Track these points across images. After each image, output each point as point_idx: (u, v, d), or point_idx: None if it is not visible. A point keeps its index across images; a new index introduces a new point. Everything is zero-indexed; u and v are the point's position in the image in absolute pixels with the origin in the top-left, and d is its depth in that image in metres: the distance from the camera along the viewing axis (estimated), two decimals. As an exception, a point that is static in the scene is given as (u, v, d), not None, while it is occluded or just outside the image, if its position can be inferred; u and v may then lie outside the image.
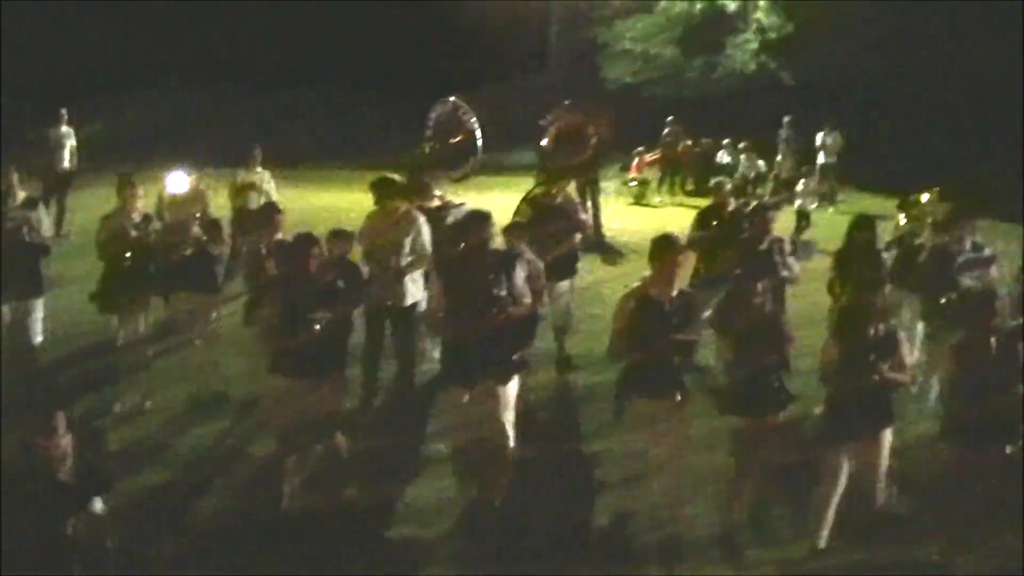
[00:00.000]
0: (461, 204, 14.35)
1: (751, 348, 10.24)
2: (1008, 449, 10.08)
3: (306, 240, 10.93)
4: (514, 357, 10.73)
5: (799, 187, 27.68)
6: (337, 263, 11.79)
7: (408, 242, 13.00)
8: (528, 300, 10.79)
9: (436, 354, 14.05)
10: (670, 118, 33.68)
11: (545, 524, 10.61)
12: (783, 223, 22.03)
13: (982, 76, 35.42)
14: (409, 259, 12.97)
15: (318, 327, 10.38)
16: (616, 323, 10.17)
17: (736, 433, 10.56)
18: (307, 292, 10.55)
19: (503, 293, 10.34)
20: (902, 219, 15.97)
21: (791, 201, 30.16)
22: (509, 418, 10.64)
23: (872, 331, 9.93)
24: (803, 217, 25.56)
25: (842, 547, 10.32)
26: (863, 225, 14.15)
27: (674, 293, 10.08)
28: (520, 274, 10.66)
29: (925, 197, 15.87)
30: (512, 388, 10.70)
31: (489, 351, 10.33)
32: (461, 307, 10.31)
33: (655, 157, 32.21)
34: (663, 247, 10.19)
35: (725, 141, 33.31)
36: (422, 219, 13.27)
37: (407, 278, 13.09)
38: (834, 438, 10.10)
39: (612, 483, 11.19)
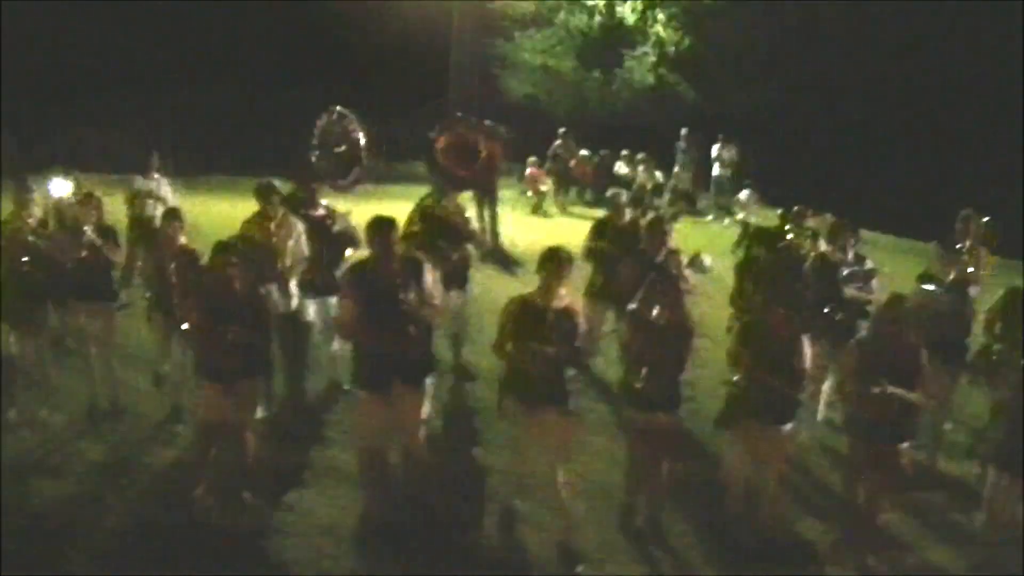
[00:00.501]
0: (346, 213, 14.34)
1: (651, 355, 10.42)
2: (905, 445, 10.41)
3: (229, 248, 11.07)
4: (424, 360, 10.88)
5: (742, 197, 27.70)
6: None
7: (289, 247, 13.05)
8: (437, 303, 10.90)
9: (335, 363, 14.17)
10: (561, 130, 33.89)
11: (442, 533, 10.69)
12: (693, 235, 22.44)
13: (878, 89, 36.20)
14: (290, 264, 13.05)
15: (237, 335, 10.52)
16: (501, 322, 10.44)
17: (631, 427, 10.79)
18: (229, 301, 10.65)
19: (412, 297, 10.44)
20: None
21: (689, 213, 30.67)
22: (424, 419, 10.94)
23: (775, 340, 10.24)
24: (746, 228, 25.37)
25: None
26: (761, 239, 14.39)
27: (560, 304, 10.28)
28: (428, 279, 10.75)
29: (808, 210, 16.17)
30: (428, 390, 10.97)
31: (402, 356, 10.45)
32: (372, 313, 10.38)
33: (541, 171, 32.15)
34: (549, 259, 10.41)
35: (623, 153, 33.56)
36: (300, 224, 13.31)
37: (289, 284, 13.17)
38: (735, 422, 10.56)
39: (507, 492, 11.29)
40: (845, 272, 13.62)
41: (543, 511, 10.98)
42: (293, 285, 13.30)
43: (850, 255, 13.84)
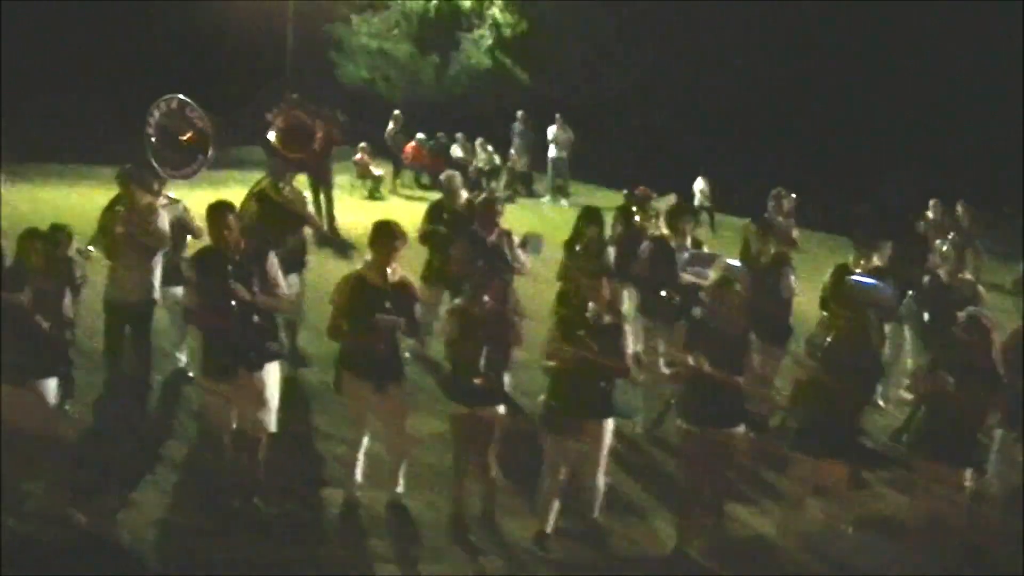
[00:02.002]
0: (178, 201, 14.13)
1: (477, 339, 10.45)
2: (742, 429, 10.63)
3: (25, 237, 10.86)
4: (271, 346, 10.80)
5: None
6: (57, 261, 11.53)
7: (147, 234, 12.80)
8: (281, 290, 10.87)
9: (178, 353, 13.98)
10: (395, 112, 33.80)
11: (274, 520, 10.66)
12: (530, 217, 22.51)
13: (716, 70, 36.74)
14: (148, 252, 12.83)
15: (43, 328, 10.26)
16: (334, 302, 10.52)
17: (456, 421, 10.79)
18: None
19: (255, 285, 10.42)
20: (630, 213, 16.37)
21: (525, 195, 30.85)
22: (272, 406, 10.78)
23: (594, 318, 10.28)
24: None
25: (568, 533, 10.70)
26: (592, 217, 14.50)
27: (394, 279, 10.39)
28: (272, 266, 10.74)
29: (651, 192, 16.36)
30: (273, 376, 10.81)
31: (246, 343, 10.42)
32: (217, 301, 10.30)
33: (369, 156, 31.82)
34: (381, 233, 10.55)
35: (458, 135, 33.62)
36: (163, 212, 13.08)
37: (143, 274, 12.94)
38: (557, 426, 10.42)
39: (342, 478, 11.27)
40: (684, 257, 13.76)
41: (377, 494, 11.06)
42: (152, 273, 13.04)
43: (689, 240, 14.02)
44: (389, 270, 10.45)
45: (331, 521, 10.90)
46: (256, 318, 10.47)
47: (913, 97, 34.75)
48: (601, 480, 10.70)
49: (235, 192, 14.24)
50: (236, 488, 10.84)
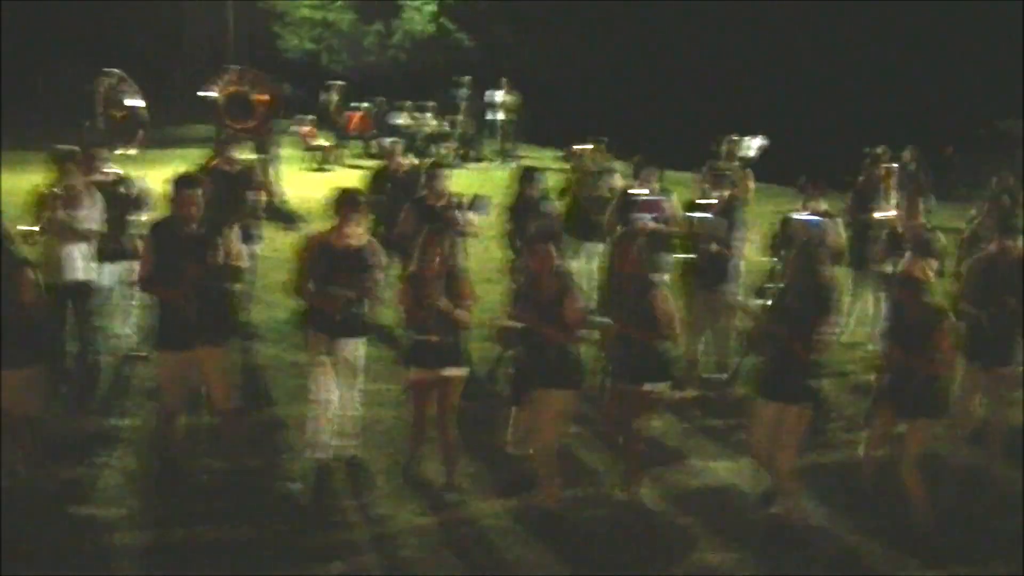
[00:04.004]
0: (137, 176, 13.95)
1: (431, 301, 10.44)
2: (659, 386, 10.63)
3: None
4: (228, 322, 10.97)
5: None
6: None
7: (83, 217, 12.62)
8: (242, 266, 11.02)
9: (124, 330, 13.81)
10: (337, 83, 33.59)
11: (239, 489, 10.63)
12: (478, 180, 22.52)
13: (656, 36, 36.75)
14: (82, 233, 12.62)
15: None
16: (296, 263, 10.79)
17: (414, 385, 10.79)
18: None
19: (218, 261, 10.38)
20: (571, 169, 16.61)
21: (474, 159, 30.91)
22: (227, 380, 10.88)
23: (545, 280, 10.25)
24: None
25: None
26: (528, 177, 14.56)
27: (354, 243, 10.61)
28: (236, 236, 10.77)
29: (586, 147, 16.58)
30: (227, 351, 10.90)
31: (203, 316, 10.35)
32: (173, 272, 10.25)
33: (313, 127, 31.66)
34: (344, 200, 10.85)
35: (407, 103, 33.47)
36: (98, 195, 12.89)
37: (80, 254, 12.74)
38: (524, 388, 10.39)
39: (299, 446, 11.23)
40: (639, 201, 13.96)
41: (337, 462, 11.05)
42: (86, 254, 12.81)
43: (655, 189, 14.31)
44: (354, 234, 10.70)
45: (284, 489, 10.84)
46: (215, 293, 10.49)
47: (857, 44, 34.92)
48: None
49: (180, 170, 14.07)
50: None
